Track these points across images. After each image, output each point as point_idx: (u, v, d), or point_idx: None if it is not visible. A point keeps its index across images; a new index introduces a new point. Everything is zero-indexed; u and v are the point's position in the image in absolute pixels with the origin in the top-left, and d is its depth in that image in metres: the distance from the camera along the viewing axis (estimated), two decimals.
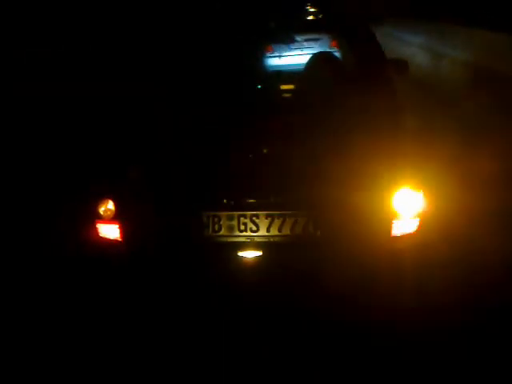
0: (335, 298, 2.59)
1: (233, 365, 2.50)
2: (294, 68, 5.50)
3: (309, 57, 3.76)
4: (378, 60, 3.14)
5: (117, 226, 2.72)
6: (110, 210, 2.73)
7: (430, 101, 6.29)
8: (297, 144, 2.68)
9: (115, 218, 2.73)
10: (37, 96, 4.99)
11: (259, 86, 3.49)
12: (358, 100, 2.76)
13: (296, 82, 3.35)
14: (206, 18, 3.76)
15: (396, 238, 2.61)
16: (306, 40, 7.01)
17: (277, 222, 2.61)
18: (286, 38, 6.88)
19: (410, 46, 10.00)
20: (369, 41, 3.24)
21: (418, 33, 10.41)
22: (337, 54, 6.02)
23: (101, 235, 2.76)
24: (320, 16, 7.11)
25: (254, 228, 2.63)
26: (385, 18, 12.33)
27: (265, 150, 2.71)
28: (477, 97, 5.65)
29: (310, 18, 7.21)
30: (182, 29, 3.33)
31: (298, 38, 6.93)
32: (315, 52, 5.98)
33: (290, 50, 6.97)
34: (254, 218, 2.63)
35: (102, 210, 2.74)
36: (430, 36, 9.75)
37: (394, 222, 2.60)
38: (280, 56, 6.53)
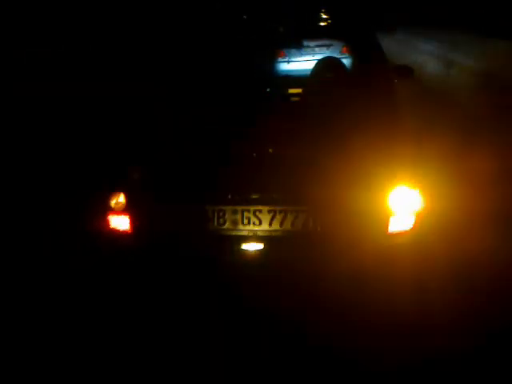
0: (333, 291, 2.70)
1: (235, 358, 2.60)
2: (302, 73, 5.65)
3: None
4: (380, 65, 3.26)
5: (127, 217, 2.87)
6: (120, 202, 2.88)
7: (439, 106, 6.36)
8: (299, 143, 2.80)
9: (125, 210, 2.87)
10: (50, 94, 5.13)
11: (268, 89, 3.63)
12: (358, 102, 2.89)
13: (301, 85, 3.48)
14: (218, 21, 3.91)
15: (392, 234, 2.72)
16: (318, 46, 7.15)
17: (278, 217, 2.73)
18: (295, 44, 7.04)
19: (422, 54, 10.08)
20: (372, 47, 3.36)
21: (430, 41, 10.49)
22: (346, 60, 6.18)
23: (112, 226, 2.90)
24: (331, 22, 7.20)
25: (257, 222, 2.76)
26: (398, 26, 12.42)
27: (268, 149, 2.83)
28: (484, 101, 5.72)
29: (322, 24, 7.32)
30: (194, 31, 3.47)
31: (310, 44, 7.08)
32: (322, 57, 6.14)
33: (302, 55, 7.12)
34: (257, 213, 2.75)
35: (113, 202, 2.88)
36: (441, 44, 9.83)
37: (390, 218, 2.70)
38: (290, 61, 6.68)
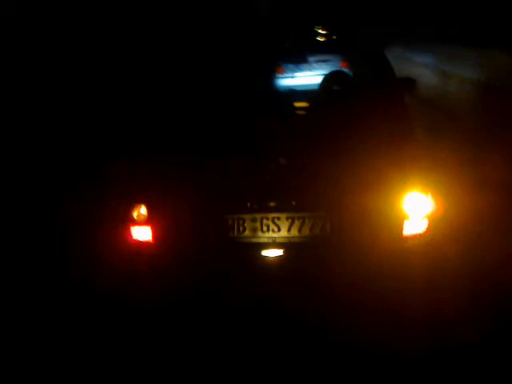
0: (351, 293, 2.78)
1: (254, 361, 2.68)
2: (308, 87, 5.79)
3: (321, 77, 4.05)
4: (389, 77, 3.39)
5: (149, 228, 2.97)
6: (142, 214, 2.98)
7: (436, 118, 6.49)
8: (314, 153, 2.91)
9: (147, 221, 2.97)
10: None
11: (277, 103, 3.74)
12: (370, 112, 3.01)
13: (311, 98, 3.60)
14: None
15: (407, 237, 2.81)
16: (316, 61, 7.29)
17: (297, 224, 2.83)
18: (300, 58, 7.18)
19: (419, 67, 10.24)
20: (381, 61, 3.50)
21: (427, 53, 10.65)
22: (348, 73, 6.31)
23: (134, 238, 3.00)
24: (331, 37, 7.31)
25: (276, 229, 2.86)
26: (394, 40, 12.59)
27: (285, 158, 2.94)
28: (483, 113, 5.84)
29: (321, 39, 7.43)
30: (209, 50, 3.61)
31: (309, 59, 7.23)
32: (329, 71, 6.29)
33: (301, 70, 7.26)
34: (275, 220, 2.85)
35: (135, 214, 2.99)
36: (439, 56, 9.98)
37: (404, 222, 2.81)
38: (293, 76, 6.81)
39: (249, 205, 2.89)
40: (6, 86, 5.56)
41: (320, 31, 8.05)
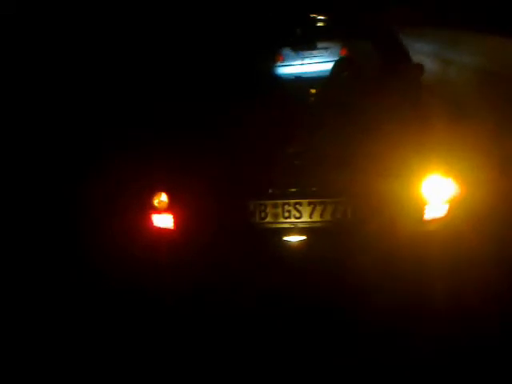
0: (372, 277, 2.81)
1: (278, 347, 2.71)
2: (317, 74, 5.81)
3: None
4: (402, 57, 3.39)
5: (170, 215, 2.98)
6: (163, 201, 3.00)
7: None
8: (334, 137, 2.93)
9: (168, 208, 2.99)
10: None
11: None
12: (388, 95, 3.03)
13: (329, 83, 3.61)
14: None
15: (427, 221, 2.85)
16: (316, 49, 7.28)
17: (318, 209, 2.86)
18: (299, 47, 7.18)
19: (421, 54, 10.22)
20: (394, 44, 3.51)
21: (428, 40, 10.60)
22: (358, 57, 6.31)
23: (155, 225, 3.02)
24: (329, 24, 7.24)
25: (298, 215, 2.88)
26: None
27: (306, 144, 2.96)
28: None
29: (320, 25, 7.36)
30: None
31: (309, 47, 7.21)
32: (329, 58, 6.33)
33: (301, 58, 7.26)
34: (297, 206, 2.88)
35: (156, 201, 3.00)
36: (440, 43, 9.94)
37: (425, 206, 2.84)
38: (291, 64, 6.82)
39: (270, 191, 2.91)
40: (6, 85, 5.54)
41: (319, 18, 8.00)
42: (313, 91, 3.56)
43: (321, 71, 5.81)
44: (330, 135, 2.95)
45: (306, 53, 7.15)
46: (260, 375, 2.60)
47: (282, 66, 6.57)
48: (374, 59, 3.48)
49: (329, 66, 6.31)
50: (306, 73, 5.82)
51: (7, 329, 3.02)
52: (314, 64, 6.83)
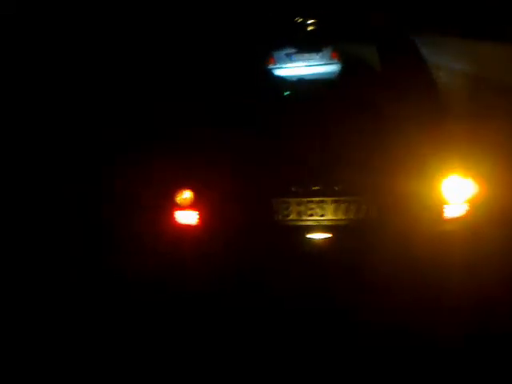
0: (393, 276, 2.88)
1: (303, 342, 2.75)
2: (321, 76, 5.90)
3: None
4: (418, 59, 3.48)
5: (195, 212, 3.01)
6: (188, 198, 3.02)
7: None
8: (357, 137, 3.00)
9: (193, 205, 3.02)
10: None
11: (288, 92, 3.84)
12: (409, 95, 3.11)
13: (350, 82, 3.68)
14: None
15: (447, 220, 2.93)
16: (308, 52, 7.37)
17: (342, 207, 2.92)
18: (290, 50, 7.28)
19: None
20: (407, 45, 3.60)
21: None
22: (336, 66, 6.43)
23: (179, 222, 3.04)
24: (321, 27, 7.33)
25: (322, 213, 2.94)
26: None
27: (329, 143, 3.01)
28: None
29: (311, 28, 7.44)
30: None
31: (300, 50, 7.30)
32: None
33: (292, 61, 7.35)
34: (321, 204, 2.94)
35: (180, 198, 3.03)
36: (425, 48, 10.09)
37: (445, 205, 2.92)
38: (282, 67, 6.90)
39: (294, 189, 2.96)
40: (6, 85, 5.49)
41: (310, 21, 8.11)
42: (335, 91, 3.61)
43: (328, 72, 5.92)
44: (354, 135, 3.01)
45: (297, 55, 7.25)
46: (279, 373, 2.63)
47: (282, 68, 6.66)
48: (392, 60, 3.54)
49: (330, 67, 6.45)
50: (314, 74, 5.90)
51: (20, 327, 3.01)
52: (314, 66, 6.92)
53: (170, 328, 2.91)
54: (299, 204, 2.96)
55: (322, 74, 6.15)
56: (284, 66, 6.94)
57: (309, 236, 2.98)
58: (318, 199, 2.94)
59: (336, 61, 6.88)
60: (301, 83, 3.84)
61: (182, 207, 3.04)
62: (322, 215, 2.95)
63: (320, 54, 7.33)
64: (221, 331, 2.87)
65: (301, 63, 7.18)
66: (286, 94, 3.41)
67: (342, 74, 3.87)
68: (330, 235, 2.96)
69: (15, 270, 3.49)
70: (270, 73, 3.68)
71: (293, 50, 7.18)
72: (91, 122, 4.80)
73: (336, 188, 2.94)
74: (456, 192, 2.92)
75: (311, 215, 2.95)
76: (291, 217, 2.97)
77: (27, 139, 4.87)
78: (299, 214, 2.96)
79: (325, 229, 2.96)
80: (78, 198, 3.97)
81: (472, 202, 2.92)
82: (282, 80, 3.64)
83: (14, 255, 3.62)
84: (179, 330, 2.89)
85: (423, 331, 2.75)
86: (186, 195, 3.03)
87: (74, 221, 3.83)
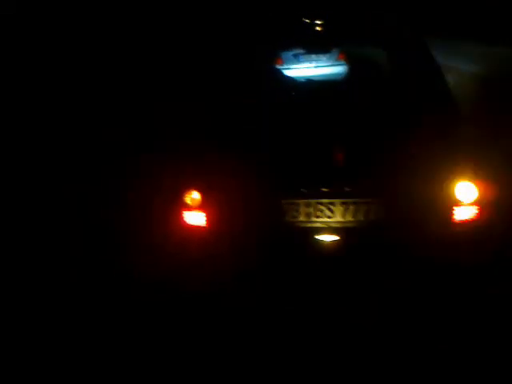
0: (403, 279, 2.87)
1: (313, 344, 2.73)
2: (332, 77, 5.88)
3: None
4: (433, 63, 3.45)
5: (203, 213, 3.00)
6: (196, 199, 3.01)
7: None
8: (368, 139, 2.98)
9: (201, 206, 3.01)
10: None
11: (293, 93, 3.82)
12: (422, 99, 3.09)
13: (361, 84, 3.65)
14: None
15: (457, 223, 2.91)
16: (315, 52, 7.35)
17: (351, 209, 2.90)
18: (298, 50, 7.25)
19: None
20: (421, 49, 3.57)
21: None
22: (342, 67, 6.40)
23: (187, 222, 3.03)
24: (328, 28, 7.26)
25: (330, 214, 2.92)
26: None
27: (339, 145, 3.00)
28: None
29: (319, 29, 7.37)
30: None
31: (307, 51, 7.28)
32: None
33: (299, 62, 7.33)
34: (330, 206, 2.92)
35: (189, 199, 3.02)
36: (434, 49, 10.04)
37: (455, 209, 2.90)
38: (289, 68, 6.88)
39: (303, 190, 2.95)
40: (7, 85, 5.51)
41: (318, 22, 8.04)
42: (343, 92, 3.59)
43: (333, 74, 5.89)
44: (364, 137, 3.00)
45: (304, 56, 7.23)
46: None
47: (289, 68, 6.64)
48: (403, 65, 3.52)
49: (338, 68, 6.42)
50: (322, 75, 5.88)
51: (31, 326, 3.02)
52: (322, 67, 6.90)
53: (177, 329, 2.90)
54: (308, 205, 2.94)
55: (330, 74, 6.13)
56: (291, 66, 6.93)
57: (317, 238, 2.96)
58: (327, 201, 2.93)
59: (343, 62, 6.86)
60: (309, 84, 3.83)
61: (190, 208, 3.03)
62: (330, 217, 2.93)
63: (327, 54, 7.31)
64: (228, 333, 2.86)
65: (308, 64, 7.17)
66: (294, 94, 3.39)
67: (350, 75, 3.84)
68: (338, 237, 2.94)
69: (24, 271, 3.49)
70: (278, 73, 3.65)
71: (300, 51, 7.17)
72: (99, 123, 4.80)
73: (346, 189, 2.92)
74: (466, 195, 2.90)
75: (320, 217, 2.94)
76: (300, 218, 2.95)
77: (30, 140, 4.87)
78: (308, 215, 2.94)
79: (333, 231, 2.94)
80: (85, 200, 3.97)
81: (482, 205, 2.90)
82: (290, 80, 3.62)
83: (26, 257, 3.63)
84: (186, 331, 2.89)
85: (431, 334, 2.74)
86: (195, 196, 3.02)
87: (81, 222, 3.83)
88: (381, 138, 2.95)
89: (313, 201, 2.93)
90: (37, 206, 4.12)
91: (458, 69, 8.68)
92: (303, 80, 4.42)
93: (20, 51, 6.11)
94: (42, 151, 4.77)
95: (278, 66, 6.18)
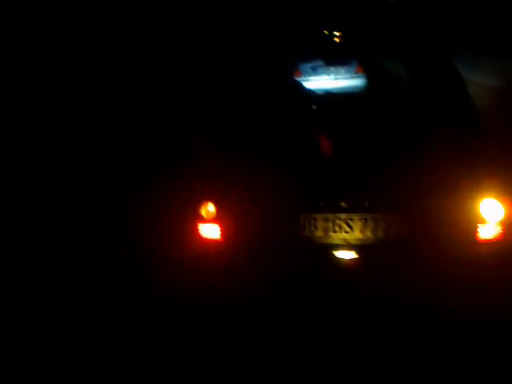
0: (425, 297, 2.75)
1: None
2: (351, 89, 5.81)
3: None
4: (454, 76, 3.36)
5: (218, 226, 2.94)
6: (211, 211, 2.95)
7: None
8: (389, 153, 2.89)
9: (216, 218, 2.94)
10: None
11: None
12: (444, 113, 3.00)
13: (383, 96, 3.57)
14: None
15: (481, 242, 2.80)
16: (334, 65, 7.30)
17: (370, 225, 2.81)
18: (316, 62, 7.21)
19: None
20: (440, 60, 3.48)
21: None
22: (360, 80, 6.34)
23: (202, 235, 2.97)
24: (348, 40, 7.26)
25: (348, 230, 2.83)
26: None
27: (359, 158, 2.92)
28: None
29: (338, 41, 7.35)
30: None
31: (325, 63, 7.24)
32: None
33: (317, 74, 7.28)
34: (348, 221, 2.83)
35: (203, 211, 2.96)
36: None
37: (479, 227, 2.79)
38: (307, 80, 6.83)
39: (321, 204, 2.87)
40: (6, 85, 5.53)
41: (337, 34, 8.02)
42: (363, 106, 3.52)
43: (352, 86, 5.83)
44: (385, 151, 2.91)
45: (323, 69, 7.19)
46: None
47: (307, 80, 6.59)
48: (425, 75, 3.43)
49: (356, 81, 6.36)
50: (340, 87, 5.82)
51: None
52: (340, 80, 6.85)
53: (192, 343, 2.83)
54: (326, 220, 2.86)
55: (348, 87, 6.06)
56: (309, 78, 6.89)
57: (334, 253, 2.87)
58: (345, 215, 2.84)
59: (362, 75, 6.80)
60: (327, 97, 3.76)
61: (205, 220, 2.97)
62: (348, 232, 2.84)
63: (346, 67, 7.26)
64: (243, 347, 2.78)
65: (326, 76, 7.13)
66: (312, 107, 3.32)
67: (369, 88, 3.76)
68: (356, 253, 2.85)
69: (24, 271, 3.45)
70: (296, 85, 3.59)
71: (319, 63, 7.14)
72: (113, 132, 4.76)
73: (365, 204, 2.83)
74: (491, 212, 2.79)
75: (338, 232, 2.85)
76: (317, 233, 2.87)
77: (30, 140, 4.85)
78: (326, 230, 2.86)
79: (351, 247, 2.84)
80: (101, 209, 3.93)
81: (508, 224, 2.79)
82: (309, 93, 3.55)
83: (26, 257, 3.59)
84: (200, 345, 2.81)
85: (455, 359, 2.63)
86: (210, 208, 2.96)
87: (95, 231, 3.79)
88: (402, 152, 2.86)
89: (330, 215, 2.85)
90: (45, 207, 4.09)
91: (480, 82, 8.58)
92: (321, 93, 4.36)
93: (20, 51, 6.12)
94: (51, 152, 4.74)
95: (297, 78, 6.15)
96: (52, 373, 2.65)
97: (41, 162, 4.62)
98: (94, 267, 3.53)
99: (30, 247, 3.75)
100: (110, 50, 5.97)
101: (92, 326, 2.99)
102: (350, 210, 2.84)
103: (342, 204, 2.85)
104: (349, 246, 2.85)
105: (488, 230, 2.80)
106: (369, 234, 2.82)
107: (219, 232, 2.95)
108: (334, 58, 6.91)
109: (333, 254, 2.86)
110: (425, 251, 2.78)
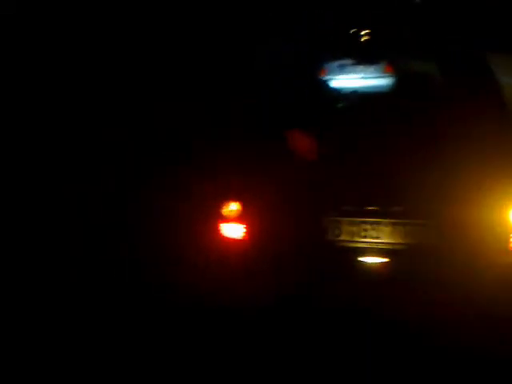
0: (454, 306, 2.66)
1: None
2: (377, 89, 5.70)
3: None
4: (490, 82, 3.25)
5: (242, 225, 2.88)
6: (235, 210, 2.89)
7: None
8: (419, 158, 2.80)
9: (240, 218, 2.88)
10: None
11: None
12: (478, 118, 2.89)
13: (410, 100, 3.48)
14: None
15: None
16: (361, 64, 7.17)
17: (399, 230, 2.73)
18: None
19: None
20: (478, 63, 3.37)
21: None
22: (389, 79, 6.21)
23: (225, 235, 2.91)
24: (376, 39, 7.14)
25: (375, 235, 2.75)
26: None
27: (389, 161, 2.83)
28: None
29: (366, 40, 7.23)
30: None
31: (352, 62, 7.12)
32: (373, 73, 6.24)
33: (344, 73, 7.16)
34: (375, 225, 2.75)
35: (227, 210, 2.90)
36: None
37: (511, 236, 2.69)
38: (334, 79, 6.72)
39: (348, 208, 2.79)
40: (6, 85, 5.53)
41: (365, 32, 7.90)
42: (393, 106, 3.44)
43: (380, 86, 5.71)
44: (416, 155, 2.82)
45: (349, 67, 7.07)
46: None
47: (333, 79, 6.49)
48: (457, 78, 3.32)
49: (385, 80, 6.24)
50: (369, 87, 5.71)
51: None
52: (368, 79, 6.73)
53: (210, 344, 2.77)
54: (352, 224, 2.78)
55: (377, 87, 5.94)
56: (336, 77, 6.78)
57: (360, 259, 2.79)
58: (372, 220, 2.76)
59: (391, 74, 6.66)
60: (355, 96, 3.67)
61: (228, 219, 2.91)
62: (376, 237, 2.76)
63: (374, 66, 7.14)
64: (266, 349, 2.70)
65: (354, 75, 7.01)
66: (340, 107, 3.24)
67: (400, 88, 3.66)
68: (383, 260, 2.76)
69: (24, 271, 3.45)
70: (323, 85, 3.51)
71: (346, 62, 7.02)
72: (134, 131, 4.72)
73: (394, 209, 2.75)
74: None
75: (364, 237, 2.77)
76: (342, 237, 2.79)
77: (30, 140, 4.84)
78: (351, 234, 2.78)
79: (378, 252, 2.76)
80: (126, 209, 3.89)
81: None
82: (335, 93, 3.47)
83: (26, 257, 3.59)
84: (220, 347, 2.75)
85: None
86: (233, 207, 2.91)
87: (95, 231, 3.76)
88: (432, 156, 2.76)
89: (357, 219, 2.77)
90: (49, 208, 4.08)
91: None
92: (349, 92, 4.27)
93: (20, 51, 6.14)
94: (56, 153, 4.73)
95: (323, 77, 6.06)
96: (52, 373, 2.61)
97: (41, 161, 4.61)
98: (94, 267, 3.50)
99: (30, 247, 3.74)
100: (110, 50, 5.95)
101: (92, 326, 2.96)
102: (377, 214, 2.76)
103: (370, 208, 2.77)
104: (376, 251, 2.77)
105: None
106: (398, 239, 2.74)
107: (243, 231, 2.89)
108: (362, 57, 6.80)
109: (358, 259, 2.79)
110: (456, 259, 2.69)
